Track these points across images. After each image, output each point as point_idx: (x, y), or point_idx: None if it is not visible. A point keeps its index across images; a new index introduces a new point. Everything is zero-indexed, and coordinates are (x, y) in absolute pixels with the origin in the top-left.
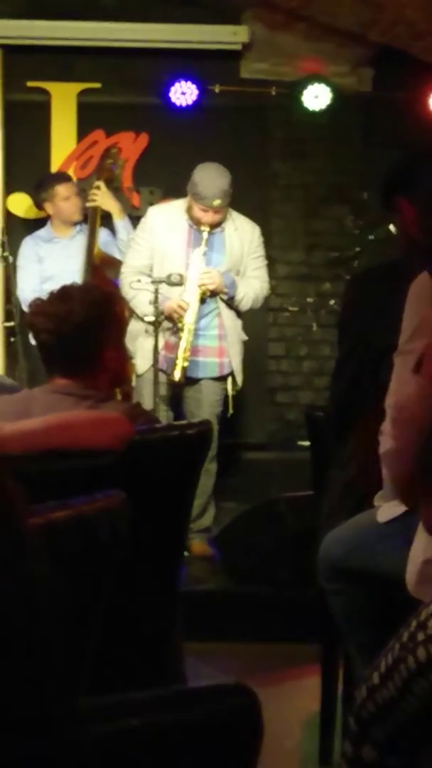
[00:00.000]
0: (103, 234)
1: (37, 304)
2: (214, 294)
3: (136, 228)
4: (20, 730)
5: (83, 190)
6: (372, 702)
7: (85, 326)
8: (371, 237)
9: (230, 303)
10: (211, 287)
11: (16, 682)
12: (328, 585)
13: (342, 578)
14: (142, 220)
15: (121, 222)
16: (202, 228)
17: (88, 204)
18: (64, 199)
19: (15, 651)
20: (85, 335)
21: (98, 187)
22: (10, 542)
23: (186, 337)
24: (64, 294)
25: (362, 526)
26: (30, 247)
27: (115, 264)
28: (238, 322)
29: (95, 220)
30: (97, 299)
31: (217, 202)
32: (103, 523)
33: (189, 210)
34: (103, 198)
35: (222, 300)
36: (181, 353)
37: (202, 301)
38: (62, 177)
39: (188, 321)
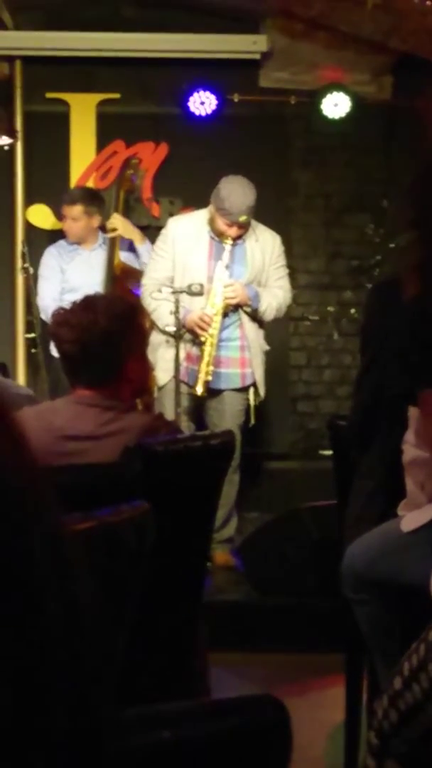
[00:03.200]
0: (125, 247)
1: (60, 314)
2: (237, 307)
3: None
4: (66, 740)
5: (102, 201)
6: (395, 710)
7: (108, 337)
8: (392, 245)
9: (254, 315)
10: (235, 302)
11: (62, 690)
12: (352, 595)
13: (366, 588)
14: (163, 231)
15: (143, 246)
16: (225, 241)
17: (110, 235)
18: (72, 220)
19: (60, 657)
20: (109, 346)
21: (115, 218)
22: (55, 550)
23: (208, 350)
24: (88, 304)
25: (386, 536)
26: (53, 257)
27: (136, 275)
28: (261, 332)
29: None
30: (120, 310)
31: (243, 218)
32: (128, 533)
33: (211, 222)
34: (122, 227)
35: (245, 312)
36: (203, 367)
37: (225, 315)
38: (71, 198)
39: (210, 334)
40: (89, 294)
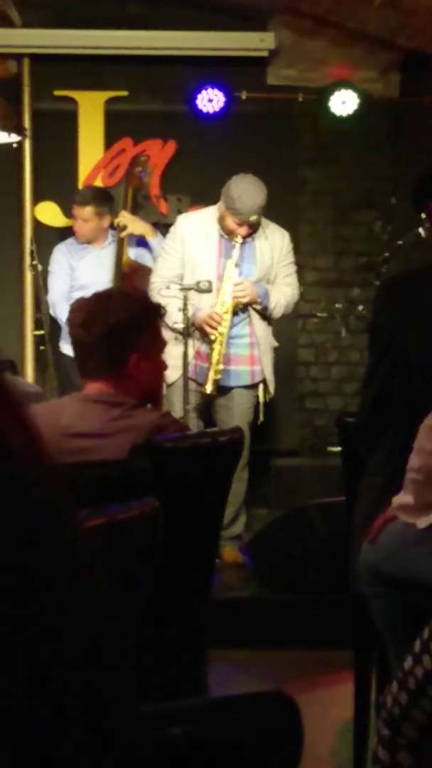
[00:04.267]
0: (136, 243)
1: (78, 301)
2: (247, 305)
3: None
4: (83, 736)
5: (112, 201)
6: (404, 691)
7: (114, 328)
8: (400, 242)
9: (263, 312)
10: (245, 300)
11: (79, 686)
12: (368, 588)
13: (381, 582)
14: (172, 228)
15: (155, 240)
16: (235, 239)
17: (120, 234)
18: (83, 221)
19: (77, 654)
20: (113, 337)
21: (123, 216)
22: (72, 546)
23: (218, 349)
24: (104, 295)
25: (400, 531)
26: (63, 255)
27: (145, 272)
28: (269, 329)
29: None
30: (133, 305)
31: (254, 218)
32: (137, 531)
33: (221, 220)
34: (131, 225)
35: (254, 309)
36: (213, 365)
37: (235, 313)
38: (83, 199)
39: (220, 333)
40: (113, 288)
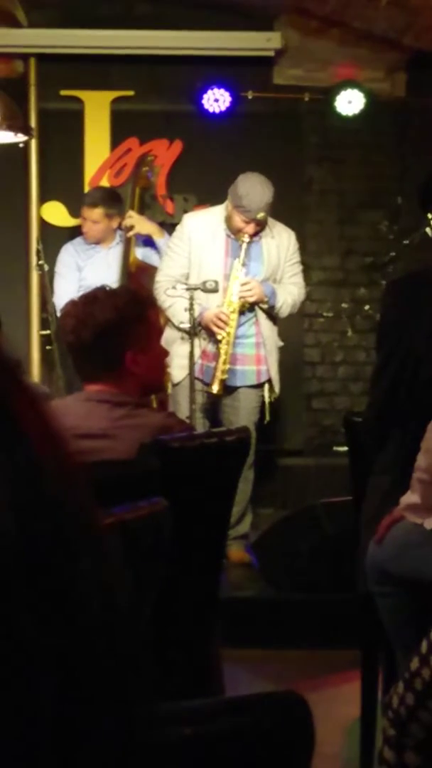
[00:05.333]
0: (143, 243)
1: (66, 306)
2: (254, 304)
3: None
4: (107, 734)
5: (121, 202)
6: (411, 692)
7: (103, 329)
8: (406, 242)
9: (270, 312)
10: (252, 300)
11: (103, 685)
12: (376, 588)
13: (389, 582)
14: (178, 227)
15: (162, 240)
16: (241, 239)
17: (127, 235)
18: (92, 222)
19: (101, 653)
20: (104, 338)
21: (131, 216)
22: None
23: (225, 349)
24: (90, 297)
25: (408, 531)
26: (69, 255)
27: (152, 272)
28: (275, 329)
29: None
30: (120, 302)
31: (261, 215)
32: (145, 530)
33: (228, 219)
34: (139, 224)
35: (261, 309)
36: (220, 365)
37: (242, 312)
38: (92, 200)
39: (227, 333)
40: (97, 287)
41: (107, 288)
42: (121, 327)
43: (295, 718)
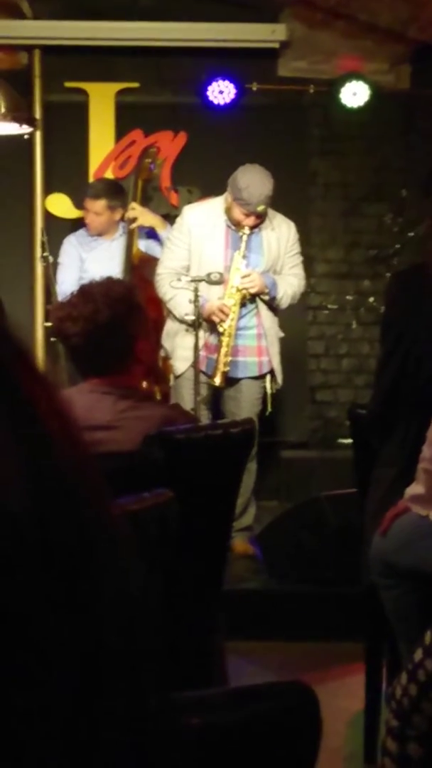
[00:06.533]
0: (146, 235)
1: (61, 309)
2: (255, 296)
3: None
4: (123, 724)
5: (125, 194)
6: (414, 683)
7: (114, 324)
8: (411, 234)
9: (271, 303)
10: (253, 291)
11: (118, 675)
12: (380, 580)
13: (393, 573)
14: (178, 220)
15: (165, 232)
16: (242, 232)
17: (130, 227)
18: (95, 214)
19: (116, 643)
20: (116, 333)
21: (134, 208)
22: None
23: (226, 341)
24: (85, 294)
25: (412, 523)
26: (72, 246)
27: (154, 264)
28: (276, 320)
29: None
30: (119, 294)
31: (261, 208)
32: (151, 521)
33: (228, 211)
34: (141, 216)
35: (262, 300)
36: (221, 358)
37: (243, 304)
38: (95, 192)
39: (228, 325)
40: (84, 283)
41: (93, 283)
42: (128, 319)
43: (303, 707)
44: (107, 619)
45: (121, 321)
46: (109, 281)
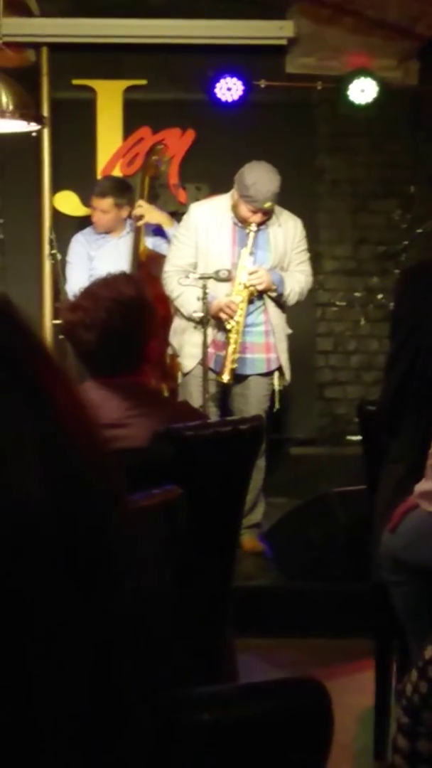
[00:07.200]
0: (153, 232)
1: (72, 310)
2: (262, 292)
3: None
4: (140, 717)
5: (132, 192)
6: (425, 680)
7: (127, 330)
8: (419, 231)
9: (278, 299)
10: (261, 287)
11: (135, 668)
12: (390, 576)
13: (403, 570)
14: (185, 217)
15: (172, 229)
16: (249, 228)
17: (137, 224)
18: (102, 212)
19: (132, 637)
20: (128, 337)
21: (141, 206)
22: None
23: (234, 338)
24: (96, 298)
25: (422, 520)
26: (81, 244)
27: (162, 261)
28: (284, 317)
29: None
30: (131, 298)
31: (268, 205)
32: (160, 518)
33: (234, 208)
34: (148, 214)
35: (270, 297)
36: (229, 355)
37: (250, 301)
38: (102, 190)
39: (236, 322)
40: (90, 286)
41: (101, 284)
42: (140, 322)
43: (314, 704)
44: (122, 612)
45: (133, 326)
46: (117, 282)
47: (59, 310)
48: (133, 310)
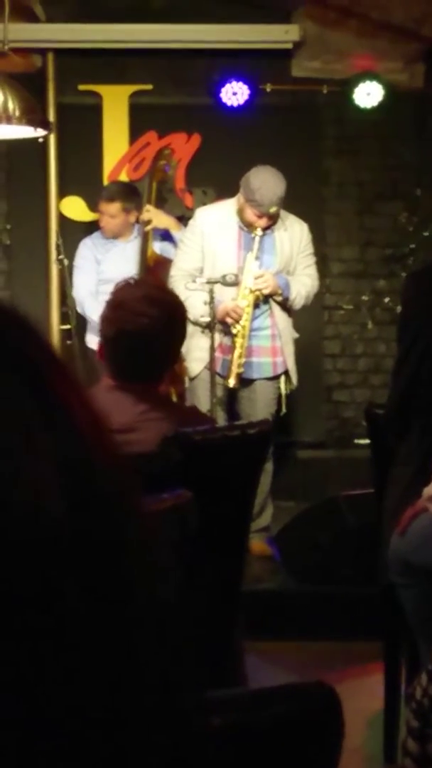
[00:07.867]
0: (161, 237)
1: (138, 314)
2: (268, 297)
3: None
4: (159, 722)
5: (139, 196)
6: None
7: (171, 340)
8: (426, 234)
9: (284, 303)
10: (267, 291)
11: (152, 673)
12: (398, 579)
13: (412, 573)
14: (191, 222)
15: (179, 234)
16: (254, 233)
17: (145, 228)
18: (109, 217)
19: (149, 642)
20: (169, 347)
21: (148, 210)
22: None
23: (240, 342)
24: (153, 300)
25: (430, 522)
26: (88, 249)
27: (169, 265)
28: (290, 321)
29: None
30: (177, 308)
31: (273, 209)
32: (170, 522)
33: (240, 212)
34: (156, 218)
35: (276, 301)
36: (235, 359)
37: (256, 305)
38: (109, 195)
39: (242, 326)
40: (153, 293)
41: (156, 288)
42: (182, 332)
43: (325, 708)
44: (139, 618)
45: (175, 337)
46: (167, 293)
47: (66, 316)
48: (177, 322)
